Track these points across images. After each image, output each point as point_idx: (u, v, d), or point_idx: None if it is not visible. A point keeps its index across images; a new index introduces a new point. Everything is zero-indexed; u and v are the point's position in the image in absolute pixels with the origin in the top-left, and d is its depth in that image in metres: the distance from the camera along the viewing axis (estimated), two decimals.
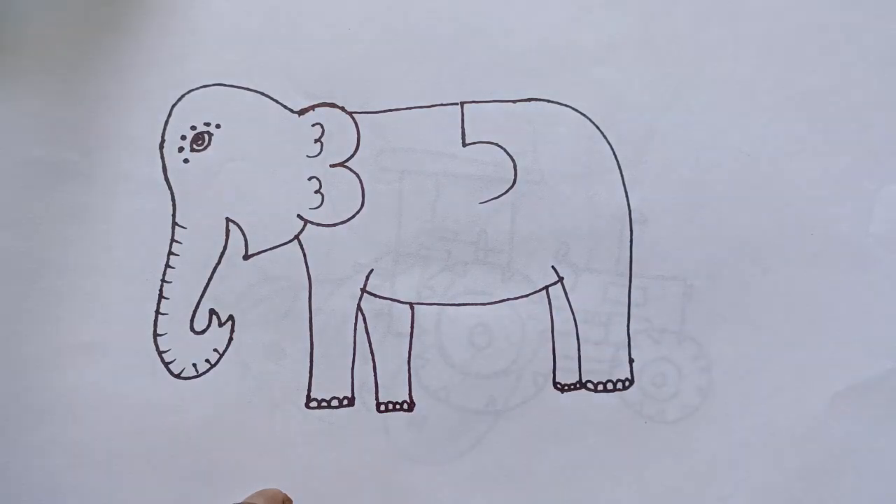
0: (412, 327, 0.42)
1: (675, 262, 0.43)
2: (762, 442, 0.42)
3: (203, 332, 0.41)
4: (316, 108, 0.43)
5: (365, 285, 0.42)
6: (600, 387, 0.42)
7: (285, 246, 0.42)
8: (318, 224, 0.42)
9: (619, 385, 0.42)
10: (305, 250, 0.42)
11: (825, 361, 0.42)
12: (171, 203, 0.42)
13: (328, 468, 0.40)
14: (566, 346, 0.42)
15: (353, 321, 0.42)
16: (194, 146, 0.42)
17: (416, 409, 0.41)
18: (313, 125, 0.42)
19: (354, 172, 0.42)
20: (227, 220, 0.42)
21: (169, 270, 0.41)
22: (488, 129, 0.43)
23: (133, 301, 0.41)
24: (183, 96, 0.42)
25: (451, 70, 0.43)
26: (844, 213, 0.43)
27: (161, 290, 0.41)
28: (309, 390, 0.41)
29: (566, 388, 0.42)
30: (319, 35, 0.43)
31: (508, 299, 0.42)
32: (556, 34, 0.44)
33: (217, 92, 0.42)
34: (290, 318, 0.41)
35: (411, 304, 0.42)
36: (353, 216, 0.42)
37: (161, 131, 0.42)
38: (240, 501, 0.38)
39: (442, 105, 0.43)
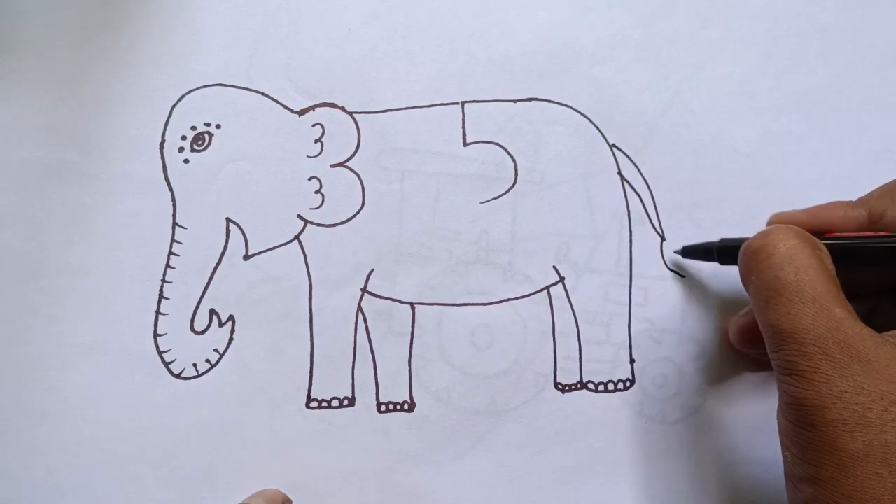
0: (413, 327, 0.42)
1: (676, 262, 0.43)
2: (764, 442, 0.42)
3: (203, 332, 0.41)
4: (316, 108, 0.43)
5: (365, 285, 0.42)
6: (601, 387, 0.42)
7: (285, 246, 0.42)
8: (318, 224, 0.42)
9: (621, 385, 0.42)
10: (306, 250, 0.42)
11: None
12: (171, 203, 0.41)
13: (328, 468, 0.40)
14: (567, 347, 0.42)
15: (354, 321, 0.42)
16: (194, 146, 0.42)
17: (416, 409, 0.41)
18: (313, 125, 0.42)
19: (355, 172, 0.42)
20: (227, 220, 0.42)
21: (169, 270, 0.41)
22: (489, 129, 0.43)
23: (133, 301, 0.41)
24: (183, 96, 0.42)
25: (451, 70, 0.43)
26: None
27: (161, 290, 0.41)
28: (309, 390, 0.41)
29: (567, 388, 0.42)
30: (319, 35, 0.43)
31: (510, 299, 0.42)
32: (556, 34, 0.44)
33: (217, 92, 0.42)
34: (291, 318, 0.41)
35: (412, 304, 0.42)
36: (354, 216, 0.42)
37: (161, 131, 0.42)
38: (240, 502, 0.38)
39: (442, 105, 0.43)
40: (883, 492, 0.28)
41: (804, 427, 0.30)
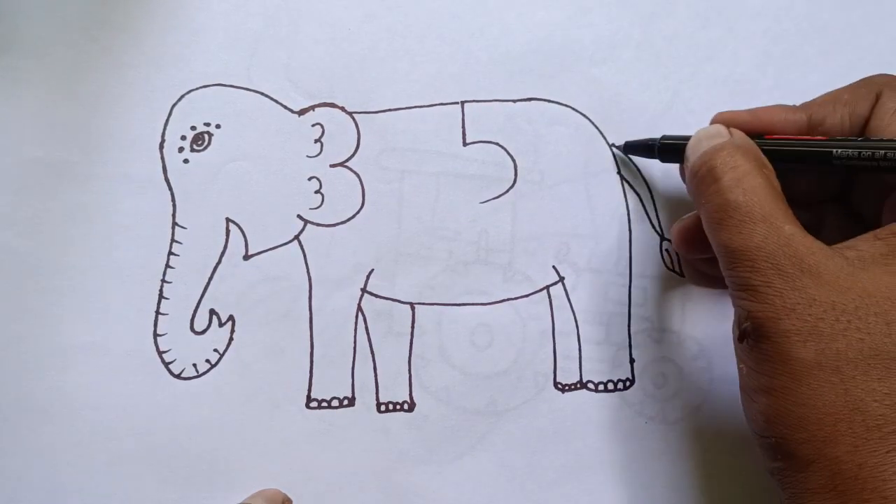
0: (413, 327, 0.42)
1: (675, 262, 0.43)
2: None
3: (203, 332, 0.41)
4: (316, 108, 0.43)
5: (365, 285, 0.42)
6: (601, 387, 0.42)
7: (285, 246, 0.42)
8: (318, 224, 0.42)
9: (620, 385, 0.42)
10: (305, 250, 0.42)
11: None
12: (171, 203, 0.41)
13: (328, 468, 0.40)
14: (567, 346, 0.42)
15: (354, 321, 0.42)
16: (194, 146, 0.42)
17: (416, 409, 0.41)
18: (313, 125, 0.42)
19: (355, 172, 0.42)
20: (227, 220, 0.42)
21: (169, 270, 0.41)
22: (489, 129, 0.43)
23: (133, 301, 0.41)
24: (183, 96, 0.42)
25: (451, 70, 0.43)
26: None
27: (161, 291, 0.41)
28: (309, 390, 0.41)
29: (567, 388, 0.42)
30: (319, 35, 0.43)
31: (509, 299, 0.42)
32: (556, 34, 0.44)
33: (217, 92, 0.42)
34: (290, 318, 0.41)
35: (412, 304, 0.42)
36: (354, 216, 0.42)
37: (161, 131, 0.42)
38: (240, 502, 0.38)
39: (442, 105, 0.43)
40: (835, 398, 0.29)
41: (758, 339, 0.31)
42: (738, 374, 0.33)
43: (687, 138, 0.38)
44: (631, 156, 0.43)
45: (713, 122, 0.39)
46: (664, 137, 0.40)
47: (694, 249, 0.37)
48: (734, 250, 0.32)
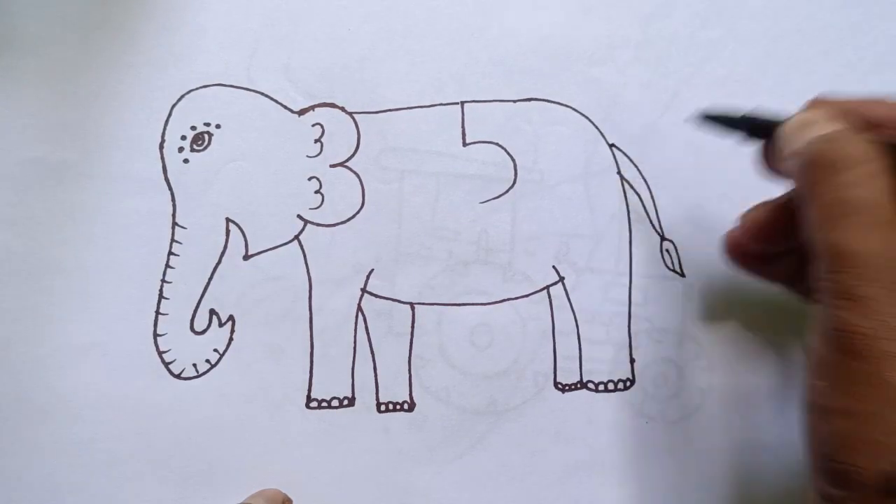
0: (413, 327, 0.42)
1: (675, 262, 0.43)
2: (764, 441, 0.42)
3: (203, 332, 0.41)
4: (316, 108, 0.43)
5: (365, 285, 0.42)
6: (601, 387, 0.42)
7: (285, 246, 0.42)
8: (318, 224, 0.42)
9: (621, 385, 0.42)
10: (305, 250, 0.42)
11: None
12: (171, 203, 0.41)
13: (328, 468, 0.40)
14: (567, 346, 0.42)
15: (354, 321, 0.42)
16: (194, 146, 0.42)
17: (416, 409, 0.41)
18: (313, 125, 0.42)
19: (354, 172, 0.42)
20: (227, 220, 0.42)
21: (169, 270, 0.41)
22: (488, 129, 0.43)
23: (133, 301, 0.41)
24: (183, 96, 0.42)
25: (451, 70, 0.43)
26: None
27: (161, 291, 0.41)
28: (309, 390, 0.41)
29: (567, 388, 0.42)
30: (319, 35, 0.43)
31: (509, 299, 0.42)
32: (556, 34, 0.44)
33: (217, 92, 0.42)
34: (291, 318, 0.41)
35: (412, 304, 0.42)
36: (354, 216, 0.42)
37: (161, 131, 0.42)
38: (240, 502, 0.38)
39: (442, 105, 0.43)
40: None
41: (850, 357, 0.27)
42: (808, 389, 0.29)
43: (780, 118, 0.34)
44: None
45: (812, 106, 0.34)
46: (749, 113, 0.36)
47: (765, 241, 0.34)
48: (845, 253, 0.28)
